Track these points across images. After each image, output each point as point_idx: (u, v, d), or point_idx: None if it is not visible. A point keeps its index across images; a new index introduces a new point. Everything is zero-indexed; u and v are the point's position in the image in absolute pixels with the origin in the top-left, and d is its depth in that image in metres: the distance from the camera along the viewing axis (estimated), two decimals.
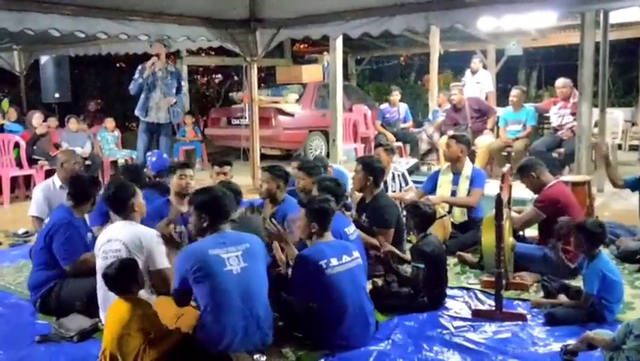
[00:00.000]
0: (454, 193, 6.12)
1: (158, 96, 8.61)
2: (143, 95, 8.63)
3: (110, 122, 11.14)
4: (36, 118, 9.79)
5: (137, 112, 8.81)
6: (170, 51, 8.93)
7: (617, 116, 10.32)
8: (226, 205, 3.78)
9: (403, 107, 10.87)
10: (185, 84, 8.99)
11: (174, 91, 8.76)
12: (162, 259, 4.03)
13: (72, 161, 5.82)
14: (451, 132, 9.08)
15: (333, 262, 3.80)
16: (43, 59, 11.56)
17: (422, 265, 4.39)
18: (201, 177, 6.70)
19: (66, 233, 4.42)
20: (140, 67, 8.69)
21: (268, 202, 5.21)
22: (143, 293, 3.79)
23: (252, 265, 3.63)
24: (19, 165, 9.18)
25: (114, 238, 4.02)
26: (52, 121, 10.47)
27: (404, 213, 5.33)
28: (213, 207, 3.73)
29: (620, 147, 10.32)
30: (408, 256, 4.75)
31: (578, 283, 4.59)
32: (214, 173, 5.87)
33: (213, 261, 3.53)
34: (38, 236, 4.73)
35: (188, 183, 5.10)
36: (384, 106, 10.90)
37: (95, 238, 4.69)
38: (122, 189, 4.30)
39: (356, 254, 3.99)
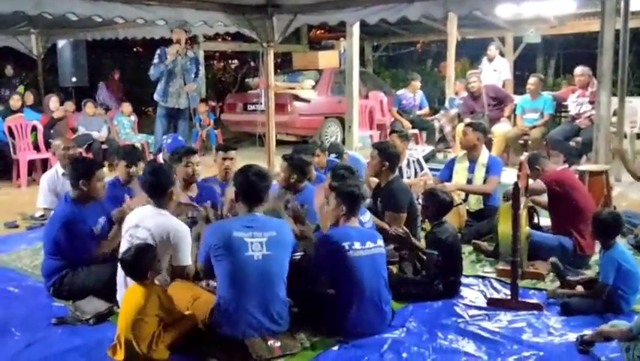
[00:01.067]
0: (469, 181, 6.10)
1: (179, 82, 8.64)
2: (163, 81, 8.67)
3: (126, 107, 11.19)
4: (53, 102, 9.86)
5: (156, 97, 8.84)
6: (189, 36, 8.95)
7: (636, 105, 10.13)
8: (261, 190, 3.80)
9: (419, 94, 10.81)
10: (201, 69, 9.02)
11: (193, 76, 8.79)
12: (186, 257, 3.98)
13: (62, 147, 5.83)
14: (467, 120, 9.04)
15: (357, 245, 3.82)
16: (61, 43, 11.62)
17: (436, 252, 4.38)
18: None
19: (68, 231, 4.34)
20: (158, 51, 8.70)
21: (285, 190, 5.24)
22: (159, 277, 3.81)
23: (275, 254, 3.64)
24: (37, 148, 9.26)
25: (143, 225, 3.95)
26: (69, 105, 10.54)
27: (419, 200, 5.32)
28: (248, 192, 3.79)
29: (638, 136, 10.17)
30: (422, 244, 4.73)
31: (592, 273, 4.57)
32: (219, 158, 5.79)
33: (236, 243, 3.56)
34: (46, 225, 4.72)
35: (195, 170, 5.10)
36: (402, 92, 10.84)
37: (109, 222, 4.73)
38: (164, 175, 4.16)
39: (380, 242, 3.99)
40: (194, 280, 4.08)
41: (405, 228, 4.64)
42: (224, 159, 5.71)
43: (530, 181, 5.14)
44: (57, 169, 5.81)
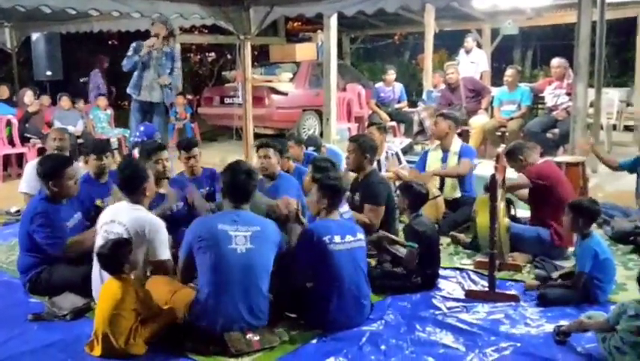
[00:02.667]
0: None
1: (152, 75, 8.53)
2: (136, 74, 8.57)
3: (102, 100, 11.06)
4: (28, 96, 9.71)
5: (129, 90, 8.74)
6: (170, 31, 8.84)
7: (613, 96, 10.28)
8: (249, 189, 3.78)
9: (398, 86, 10.82)
10: (178, 64, 8.90)
11: (168, 71, 8.69)
12: (164, 251, 3.95)
13: (52, 137, 5.82)
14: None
15: (337, 239, 3.82)
16: (35, 36, 11.45)
17: (415, 245, 4.40)
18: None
19: (39, 223, 4.30)
20: (134, 44, 8.59)
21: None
22: (136, 272, 3.78)
23: (259, 248, 3.64)
24: (12, 143, 9.12)
25: (118, 220, 3.92)
26: (45, 99, 10.39)
27: (397, 192, 5.32)
28: (236, 189, 3.78)
29: (614, 127, 10.31)
30: (401, 237, 4.74)
31: (569, 265, 4.61)
32: (182, 157, 5.63)
33: (220, 235, 3.56)
34: (21, 220, 4.65)
35: (165, 166, 5.01)
36: (380, 85, 10.84)
37: (84, 218, 4.68)
38: (137, 172, 4.13)
39: (360, 236, 3.99)
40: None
41: (383, 232, 4.61)
42: (188, 158, 5.58)
43: (513, 175, 5.16)
44: None
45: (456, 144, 6.19)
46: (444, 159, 6.16)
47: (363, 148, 5.28)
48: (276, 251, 3.77)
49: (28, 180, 5.65)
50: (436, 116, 6.53)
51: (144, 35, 8.72)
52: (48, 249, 4.34)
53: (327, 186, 4.04)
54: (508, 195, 5.36)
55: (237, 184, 3.77)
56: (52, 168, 4.43)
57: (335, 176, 4.22)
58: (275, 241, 3.78)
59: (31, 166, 5.75)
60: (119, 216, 3.95)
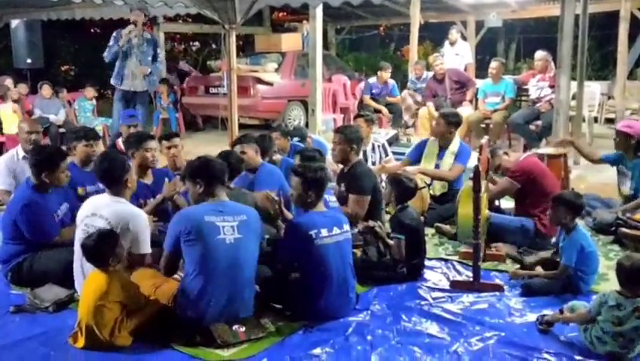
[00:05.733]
0: (437, 167, 6.09)
1: (134, 64, 8.46)
2: (118, 63, 8.49)
3: (89, 91, 10.95)
4: (7, 84, 9.58)
5: (112, 81, 8.67)
6: (148, 18, 8.75)
7: (594, 89, 10.35)
8: (218, 168, 3.75)
9: (391, 83, 10.73)
10: (161, 52, 8.79)
11: (150, 59, 8.61)
12: (146, 245, 3.90)
13: (25, 130, 5.77)
14: (430, 104, 9.12)
15: (323, 232, 3.79)
16: (14, 23, 11.29)
17: (402, 236, 4.41)
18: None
19: (29, 214, 4.26)
20: (114, 34, 8.52)
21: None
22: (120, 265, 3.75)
23: (246, 238, 3.62)
24: None
25: (99, 214, 3.85)
26: (22, 87, 10.25)
27: (384, 184, 5.33)
28: (205, 171, 3.72)
29: (596, 119, 10.39)
30: (387, 228, 4.75)
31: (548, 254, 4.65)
32: (163, 147, 5.59)
33: (207, 227, 3.51)
34: (5, 209, 4.62)
35: (154, 155, 4.98)
36: (373, 81, 10.77)
37: (71, 208, 4.63)
38: (118, 163, 4.04)
39: (346, 227, 3.97)
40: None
41: (374, 222, 4.62)
42: (169, 147, 5.55)
43: (499, 179, 5.22)
44: (18, 151, 5.71)
45: (455, 143, 6.11)
46: (440, 156, 6.10)
47: (350, 139, 5.27)
48: (259, 241, 3.76)
49: (2, 175, 5.60)
50: (437, 116, 6.51)
51: (128, 23, 8.62)
52: (36, 240, 4.28)
53: (310, 179, 3.95)
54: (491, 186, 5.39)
55: (207, 167, 3.74)
56: (48, 160, 4.39)
57: (317, 167, 4.12)
58: (258, 230, 3.78)
59: (2, 162, 5.70)
60: (100, 210, 3.88)
